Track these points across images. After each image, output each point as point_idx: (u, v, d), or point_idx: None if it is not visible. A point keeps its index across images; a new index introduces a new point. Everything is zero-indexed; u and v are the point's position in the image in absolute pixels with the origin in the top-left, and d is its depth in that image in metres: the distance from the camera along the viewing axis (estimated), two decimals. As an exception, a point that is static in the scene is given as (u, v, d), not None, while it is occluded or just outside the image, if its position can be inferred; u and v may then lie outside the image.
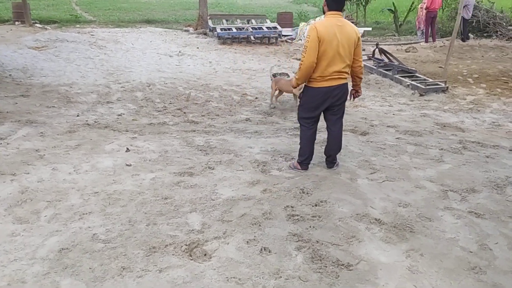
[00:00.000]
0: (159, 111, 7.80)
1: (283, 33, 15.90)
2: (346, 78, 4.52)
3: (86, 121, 6.89)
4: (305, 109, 4.66)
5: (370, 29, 16.83)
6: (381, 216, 3.67)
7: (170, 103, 8.30)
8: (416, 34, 17.12)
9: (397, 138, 6.28)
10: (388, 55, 10.44)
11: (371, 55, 11.17)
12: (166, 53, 13.10)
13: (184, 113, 7.73)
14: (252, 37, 15.14)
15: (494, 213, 3.84)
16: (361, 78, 4.68)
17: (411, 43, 15.33)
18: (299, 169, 4.74)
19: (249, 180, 4.47)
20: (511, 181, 4.60)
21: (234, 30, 15.35)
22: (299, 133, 4.84)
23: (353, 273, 2.88)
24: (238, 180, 4.48)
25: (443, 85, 9.53)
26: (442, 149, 5.74)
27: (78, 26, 18.31)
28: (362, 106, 8.42)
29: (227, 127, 6.84)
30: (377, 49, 10.81)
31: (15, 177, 4.54)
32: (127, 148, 5.51)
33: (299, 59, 13.21)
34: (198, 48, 14.28)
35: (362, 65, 4.58)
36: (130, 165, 4.99)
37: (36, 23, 16.40)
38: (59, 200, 4.06)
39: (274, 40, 15.48)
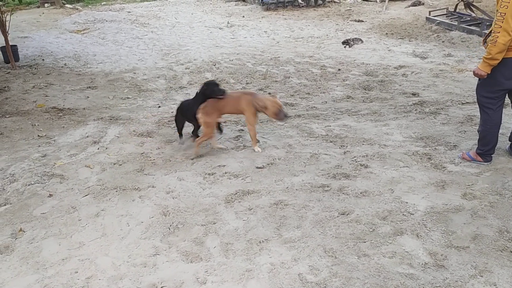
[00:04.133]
0: (240, 93, 6.91)
1: (330, -7, 14.70)
2: None
3: (172, 112, 6.07)
4: (490, 86, 3.72)
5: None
6: None
7: (247, 83, 7.41)
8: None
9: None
10: (475, 9, 9.29)
11: (452, 10, 10.02)
12: (214, 25, 12.11)
13: (269, 94, 6.83)
14: (299, 0, 13.97)
15: None
16: None
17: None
18: (480, 161, 3.88)
19: (430, 181, 3.64)
20: None
21: (279, -6, 14.21)
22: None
23: None
24: (415, 182, 3.65)
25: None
26: None
27: (104, 3, 17.28)
28: (467, 70, 7.41)
29: (332, 108, 5.97)
30: (462, 3, 9.65)
31: (141, 193, 3.79)
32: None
33: (359, 20, 12.11)
34: (243, 17, 13.23)
35: None
36: (262, 167, 4.19)
37: (65, 4, 15.43)
38: (213, 223, 3.29)
39: (321, 2, 14.31)
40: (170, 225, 3.27)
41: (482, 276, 2.45)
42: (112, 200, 3.69)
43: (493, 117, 3.77)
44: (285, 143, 4.73)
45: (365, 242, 2.89)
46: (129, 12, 13.75)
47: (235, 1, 15.71)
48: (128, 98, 6.74)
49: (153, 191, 3.82)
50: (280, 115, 4.37)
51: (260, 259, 2.81)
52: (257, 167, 4.20)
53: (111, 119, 5.71)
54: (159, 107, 6.33)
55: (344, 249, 2.84)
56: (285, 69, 8.10)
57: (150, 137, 5.09)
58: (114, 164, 4.38)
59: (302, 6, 13.90)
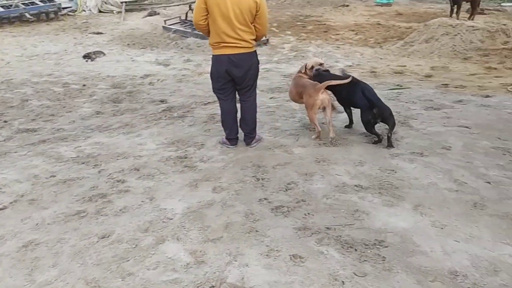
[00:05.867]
0: (-36, 126, 5.92)
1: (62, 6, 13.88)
2: (246, 47, 4.15)
3: None
4: (212, 79, 4.35)
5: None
6: (356, 181, 3.60)
7: (-27, 112, 6.39)
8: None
9: (271, 98, 6.25)
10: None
11: (184, 19, 10.71)
12: None
13: (5, 122, 6.08)
14: (27, 15, 12.74)
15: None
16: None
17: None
18: (228, 144, 4.44)
19: (184, 182, 3.80)
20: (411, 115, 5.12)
21: (1, 9, 12.63)
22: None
23: (393, 249, 2.74)
24: (171, 186, 3.76)
25: (263, 37, 9.86)
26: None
27: None
28: (205, 73, 8.07)
29: (81, 127, 5.67)
30: (190, 11, 10.40)
31: None
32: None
33: (98, 33, 11.83)
34: (-41, 37, 11.31)
35: (262, 35, 4.28)
36: (3, 208, 3.66)
37: None
38: None
39: (54, 15, 13.40)
40: None
41: (236, 261, 2.68)
42: None
43: (223, 105, 4.38)
44: (30, 175, 4.24)
45: (128, 260, 2.82)
46: None
47: None
48: None
49: None
50: None
51: (9, 317, 2.43)
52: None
53: None
54: None
55: (108, 275, 2.71)
56: (21, 92, 7.29)
57: None
58: None
59: (32, 21, 12.71)
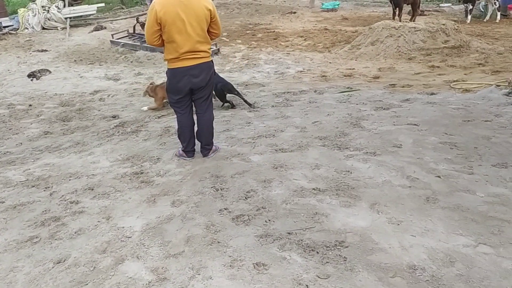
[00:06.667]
0: None
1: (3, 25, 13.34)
2: (204, 57, 4.13)
3: None
4: (170, 93, 4.28)
5: (102, 4, 15.67)
6: (314, 184, 3.64)
7: None
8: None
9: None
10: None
11: (132, 32, 10.54)
12: None
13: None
14: (-36, 35, 12.15)
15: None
16: None
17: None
18: (185, 157, 4.40)
19: (142, 199, 3.72)
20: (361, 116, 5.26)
21: None
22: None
23: (353, 249, 2.79)
24: (129, 203, 3.67)
25: (214, 47, 9.88)
26: (273, 106, 6.03)
27: None
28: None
29: (29, 149, 5.46)
30: (138, 24, 10.25)
31: None
32: None
33: (43, 50, 11.47)
34: None
35: (218, 36, 4.31)
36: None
37: None
38: None
39: (-6, 34, 12.85)
40: None
41: (199, 274, 2.65)
42: None
43: (180, 119, 4.29)
44: (-23, 203, 4.01)
45: (87, 284, 2.72)
46: None
47: None
48: None
49: None
50: None
51: None
52: None
53: None
54: None
55: (66, 301, 2.60)
56: (-38, 116, 6.91)
57: None
58: None
59: (-29, 41, 12.13)
